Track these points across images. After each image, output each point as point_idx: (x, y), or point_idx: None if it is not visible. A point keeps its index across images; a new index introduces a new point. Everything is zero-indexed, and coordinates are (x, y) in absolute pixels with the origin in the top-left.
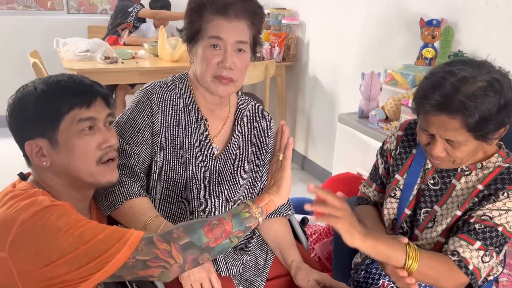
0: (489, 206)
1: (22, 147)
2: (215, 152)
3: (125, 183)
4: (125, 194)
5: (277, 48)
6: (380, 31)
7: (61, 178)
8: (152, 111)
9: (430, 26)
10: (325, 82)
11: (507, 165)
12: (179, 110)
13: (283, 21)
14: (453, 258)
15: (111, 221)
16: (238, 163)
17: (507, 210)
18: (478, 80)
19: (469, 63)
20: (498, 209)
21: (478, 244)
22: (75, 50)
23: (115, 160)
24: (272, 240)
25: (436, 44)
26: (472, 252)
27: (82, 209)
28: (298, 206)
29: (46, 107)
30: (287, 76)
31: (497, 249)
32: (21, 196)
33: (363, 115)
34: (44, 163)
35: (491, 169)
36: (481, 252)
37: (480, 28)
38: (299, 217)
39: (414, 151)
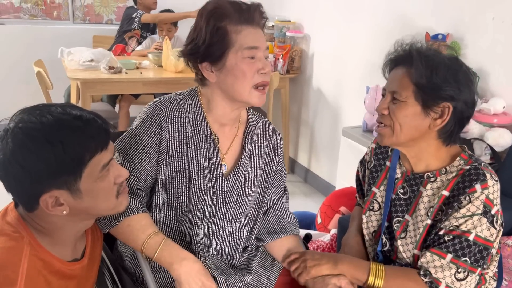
0: (455, 214)
1: (27, 199)
2: (224, 171)
3: None
4: (123, 212)
5: (281, 60)
6: (385, 44)
7: (72, 217)
8: (161, 128)
9: (435, 40)
10: (329, 95)
11: (468, 167)
12: (188, 128)
13: (288, 34)
14: (424, 280)
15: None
16: (246, 183)
17: (472, 215)
18: (441, 52)
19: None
20: (463, 216)
21: (449, 256)
22: (80, 59)
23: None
24: (286, 256)
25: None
26: (444, 271)
27: (78, 234)
28: (301, 220)
29: (67, 158)
30: (291, 88)
31: (475, 263)
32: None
33: (367, 129)
34: (64, 212)
35: (454, 173)
36: (453, 268)
37: (486, 43)
38: (302, 232)
39: (388, 163)
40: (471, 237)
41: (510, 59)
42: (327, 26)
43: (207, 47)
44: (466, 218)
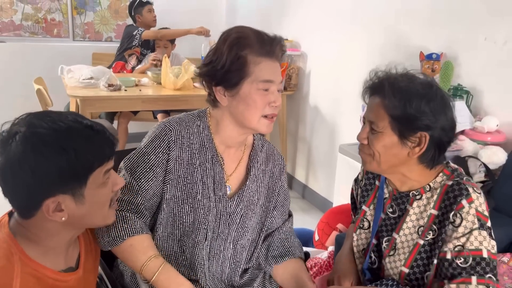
0: (454, 235)
1: (28, 204)
2: (228, 192)
3: (128, 218)
4: (128, 231)
5: None
6: (381, 63)
7: (67, 225)
8: (169, 148)
9: (429, 59)
10: (326, 112)
11: (451, 182)
12: (195, 149)
13: None
14: None
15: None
16: (250, 206)
17: (471, 231)
18: (416, 77)
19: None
20: (463, 235)
21: (474, 279)
22: (79, 77)
23: (117, 201)
24: (290, 276)
25: (436, 77)
26: None
27: (71, 241)
28: (299, 237)
29: (78, 166)
30: (288, 105)
31: (494, 277)
32: None
33: None
34: (63, 218)
35: (438, 190)
36: None
37: (479, 63)
38: None
39: (377, 182)
40: (485, 254)
41: (503, 78)
42: (323, 44)
43: (225, 73)
44: (467, 236)
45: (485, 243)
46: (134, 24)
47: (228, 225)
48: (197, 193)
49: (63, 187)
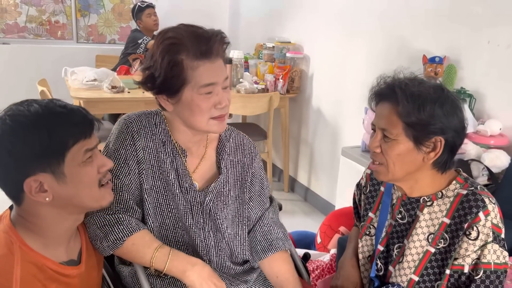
0: (471, 248)
1: (13, 187)
2: (196, 189)
3: (122, 219)
4: (126, 232)
5: (281, 80)
6: (383, 66)
7: (58, 208)
8: (134, 139)
9: (432, 63)
10: (329, 114)
11: (465, 191)
12: (159, 140)
13: (288, 55)
14: None
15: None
16: (220, 197)
17: (485, 243)
18: (425, 81)
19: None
20: (479, 248)
21: None
22: (83, 79)
23: (110, 181)
24: (275, 282)
25: (439, 81)
26: None
27: (71, 231)
28: (301, 239)
29: (52, 142)
30: (291, 107)
31: (499, 286)
32: None
33: (366, 149)
34: (47, 199)
35: (451, 198)
36: None
37: (482, 66)
38: (301, 251)
39: (382, 188)
40: (492, 267)
41: (506, 81)
42: (326, 47)
43: (163, 81)
44: (482, 248)
45: (493, 256)
46: (138, 28)
47: (203, 214)
48: (174, 179)
49: (40, 165)
